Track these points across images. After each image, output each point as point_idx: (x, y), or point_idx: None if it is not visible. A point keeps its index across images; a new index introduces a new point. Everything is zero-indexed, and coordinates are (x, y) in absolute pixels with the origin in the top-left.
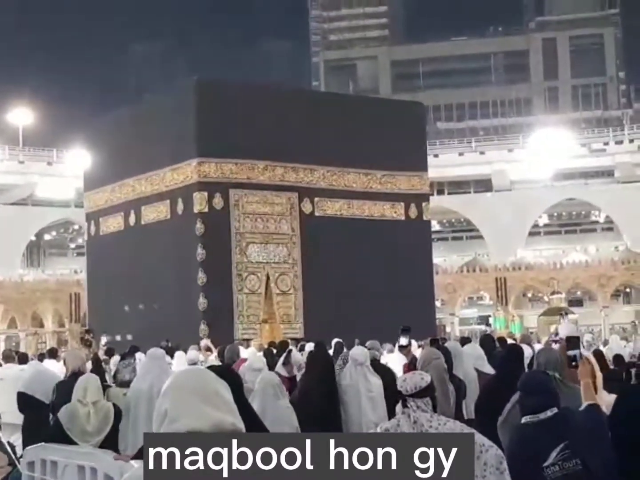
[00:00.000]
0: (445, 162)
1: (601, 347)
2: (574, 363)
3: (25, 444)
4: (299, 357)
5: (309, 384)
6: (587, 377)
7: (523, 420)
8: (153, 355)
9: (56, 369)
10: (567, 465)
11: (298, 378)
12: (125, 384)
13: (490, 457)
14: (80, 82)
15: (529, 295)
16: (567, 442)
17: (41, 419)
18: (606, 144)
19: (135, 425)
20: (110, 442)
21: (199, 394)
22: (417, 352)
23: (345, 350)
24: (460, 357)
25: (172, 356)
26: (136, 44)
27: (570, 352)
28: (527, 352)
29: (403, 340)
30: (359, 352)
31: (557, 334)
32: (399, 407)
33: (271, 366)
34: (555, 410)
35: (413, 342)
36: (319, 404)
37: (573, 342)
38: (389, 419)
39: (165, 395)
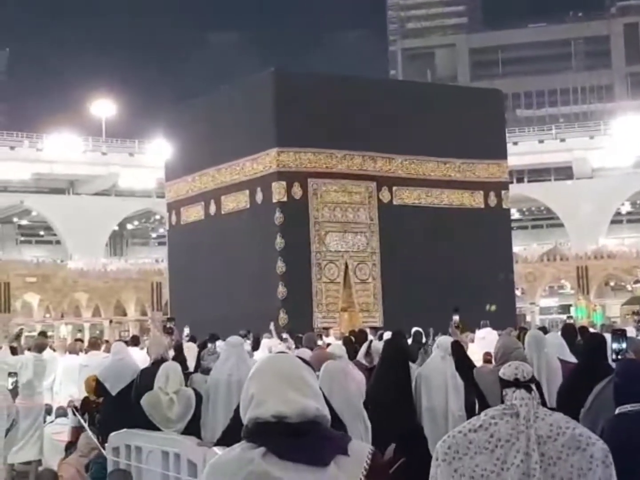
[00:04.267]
0: (524, 149)
1: None
2: (619, 357)
3: (101, 430)
4: (379, 347)
5: (382, 372)
6: None
7: (620, 409)
8: (232, 343)
9: (139, 356)
10: None
11: None
12: (208, 372)
13: (597, 450)
14: (160, 73)
15: (611, 284)
16: None
17: (114, 405)
18: None
19: (214, 413)
20: (193, 429)
21: (285, 379)
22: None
23: (425, 339)
24: (543, 345)
25: (254, 347)
26: (213, 35)
27: (615, 346)
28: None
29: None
30: (449, 341)
31: None
32: (514, 393)
33: (350, 354)
34: None
35: (487, 330)
36: (390, 393)
37: (619, 335)
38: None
39: (253, 379)
